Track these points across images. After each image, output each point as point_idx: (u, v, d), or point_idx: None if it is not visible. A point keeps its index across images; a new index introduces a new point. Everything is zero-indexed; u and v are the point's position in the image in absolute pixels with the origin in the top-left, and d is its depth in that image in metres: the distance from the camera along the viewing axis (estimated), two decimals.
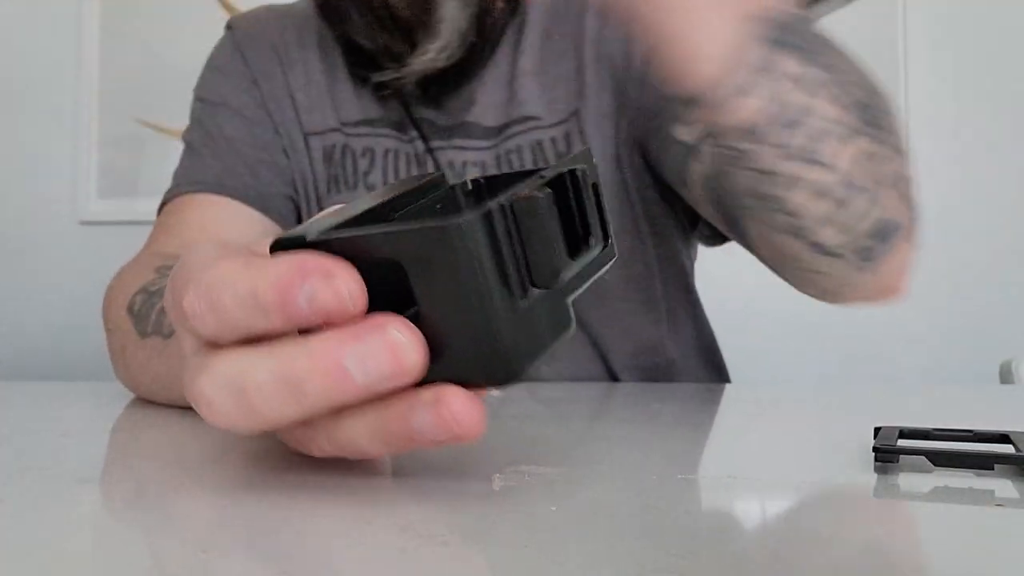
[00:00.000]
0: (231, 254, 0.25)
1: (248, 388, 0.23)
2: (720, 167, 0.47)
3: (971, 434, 0.34)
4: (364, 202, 0.27)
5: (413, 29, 0.64)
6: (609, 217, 0.27)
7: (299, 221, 0.73)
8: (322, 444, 0.26)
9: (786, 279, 0.54)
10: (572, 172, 0.25)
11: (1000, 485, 0.28)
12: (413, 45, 0.64)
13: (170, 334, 0.43)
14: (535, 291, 0.23)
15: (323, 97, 0.70)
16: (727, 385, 0.67)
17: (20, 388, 0.55)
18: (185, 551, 0.21)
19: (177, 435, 0.38)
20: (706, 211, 0.58)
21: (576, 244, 0.25)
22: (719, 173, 0.48)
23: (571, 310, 0.25)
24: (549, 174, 0.25)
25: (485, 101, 0.68)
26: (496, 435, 0.37)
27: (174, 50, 1.66)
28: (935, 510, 0.25)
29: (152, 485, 0.28)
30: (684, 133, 0.53)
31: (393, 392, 0.23)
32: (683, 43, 0.42)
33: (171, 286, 0.26)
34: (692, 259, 0.75)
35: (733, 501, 0.26)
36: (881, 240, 0.47)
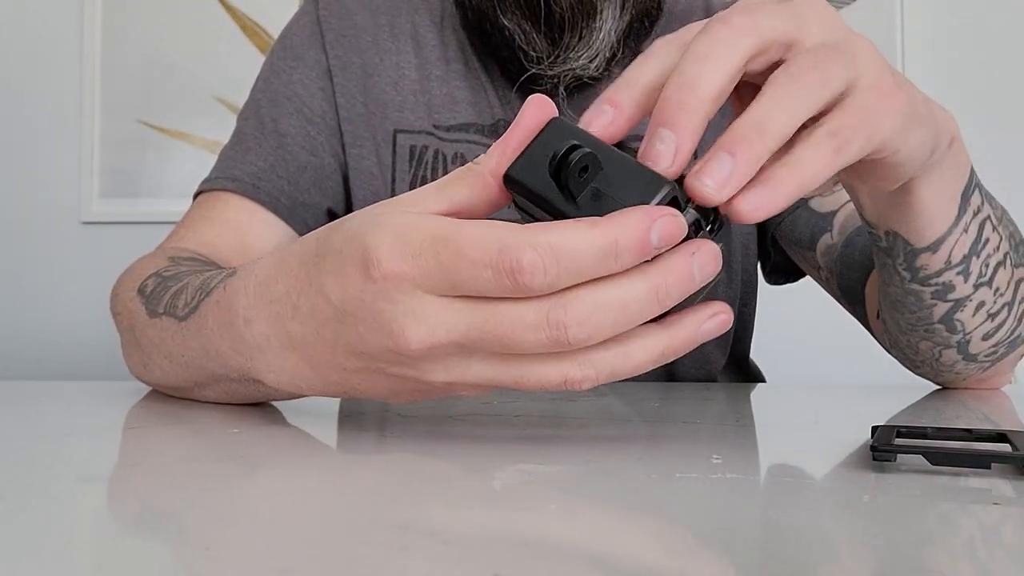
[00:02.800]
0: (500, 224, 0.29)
1: (630, 316, 0.29)
2: (899, 287, 0.51)
3: (968, 433, 0.34)
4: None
5: (564, 29, 0.62)
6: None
7: None
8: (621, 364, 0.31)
9: (900, 359, 0.59)
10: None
11: (997, 484, 0.28)
12: (552, 43, 0.63)
13: (185, 316, 0.43)
14: None
15: (416, 96, 0.69)
16: (726, 386, 0.67)
17: (21, 388, 0.56)
18: (187, 549, 0.21)
19: (179, 434, 0.38)
20: (818, 276, 0.66)
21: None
22: (890, 293, 0.53)
23: None
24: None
25: None
26: (496, 435, 0.37)
27: (176, 51, 1.66)
28: (932, 509, 0.25)
29: (154, 484, 0.28)
30: (821, 205, 0.63)
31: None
32: (924, 208, 0.44)
33: (448, 260, 0.29)
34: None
35: (732, 500, 0.26)
36: (1009, 346, 0.54)
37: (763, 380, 0.79)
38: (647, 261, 0.29)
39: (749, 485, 0.28)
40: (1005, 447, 0.33)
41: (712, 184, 0.28)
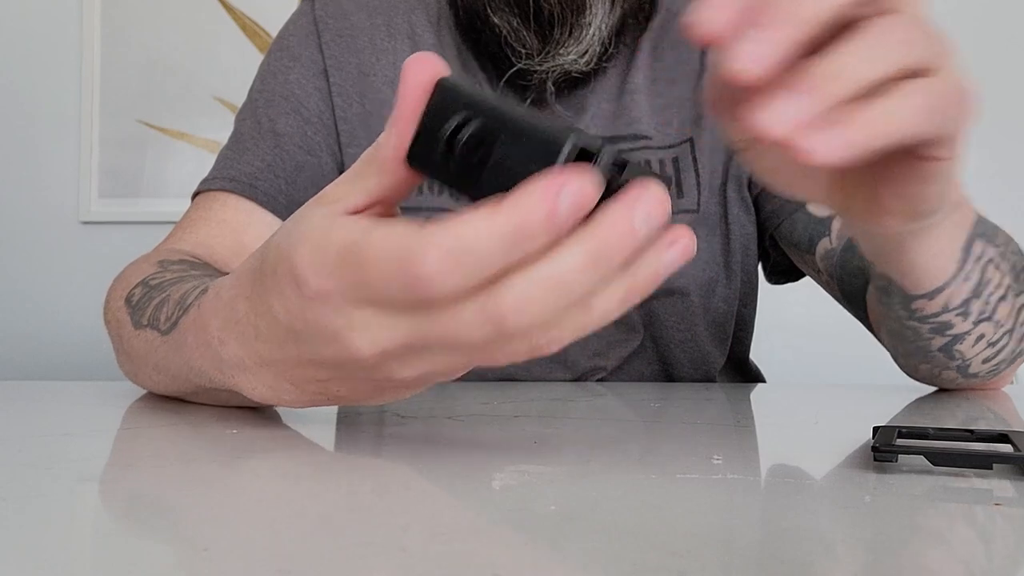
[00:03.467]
0: (403, 225, 0.27)
1: (572, 289, 0.26)
2: (897, 322, 0.52)
3: (970, 434, 0.34)
4: None
5: (553, 26, 0.62)
6: None
7: None
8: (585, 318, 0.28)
9: (900, 364, 0.59)
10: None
11: (999, 485, 0.28)
12: (542, 40, 0.63)
13: (167, 330, 0.43)
14: None
15: None
16: (727, 386, 0.67)
17: (20, 388, 0.56)
18: (186, 550, 0.21)
19: (178, 435, 0.38)
20: (819, 279, 0.66)
21: None
22: (888, 324, 0.53)
23: None
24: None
25: (594, 110, 0.68)
26: (496, 435, 0.37)
27: (175, 51, 1.66)
28: (934, 510, 0.25)
29: (153, 484, 0.28)
30: (819, 208, 0.63)
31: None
32: (918, 266, 0.44)
33: (344, 274, 0.28)
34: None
35: (733, 501, 0.26)
36: (1010, 363, 0.54)
37: (763, 380, 0.79)
38: (588, 217, 0.26)
39: (749, 486, 0.28)
40: (1007, 448, 0.32)
41: (774, 122, 0.26)
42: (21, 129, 1.71)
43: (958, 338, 0.50)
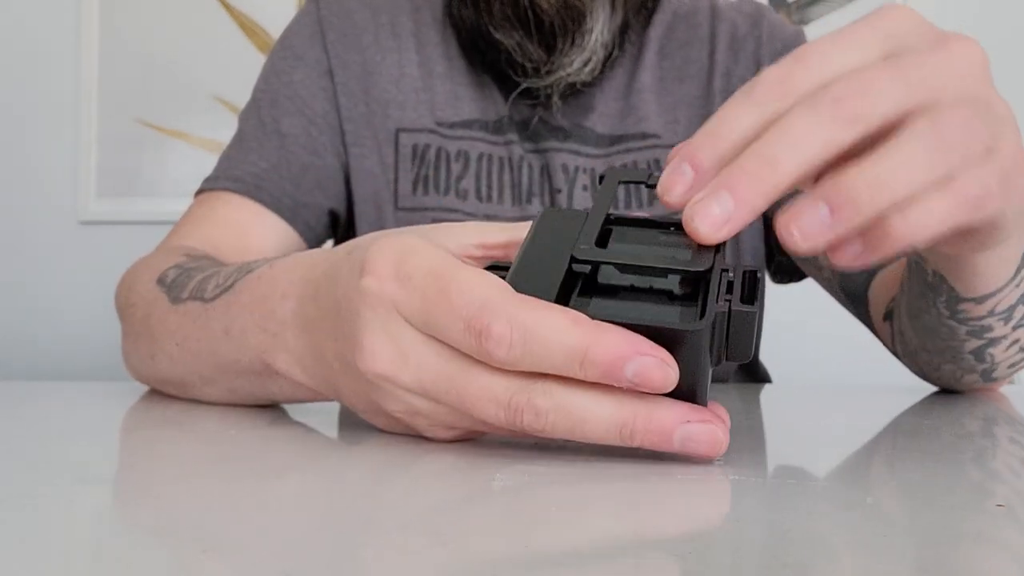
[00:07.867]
0: (532, 299, 0.28)
1: (586, 422, 0.28)
2: (936, 319, 0.50)
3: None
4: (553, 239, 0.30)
5: (555, 35, 0.63)
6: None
7: (334, 228, 0.72)
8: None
9: (909, 366, 0.58)
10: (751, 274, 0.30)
11: (1000, 487, 0.28)
12: (547, 50, 0.63)
13: (213, 298, 0.43)
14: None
15: (418, 94, 0.69)
16: (727, 386, 0.67)
17: (20, 388, 0.55)
18: (185, 551, 0.21)
19: (177, 435, 0.38)
20: (819, 276, 0.66)
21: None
22: (925, 318, 0.52)
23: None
24: (735, 280, 0.29)
25: (602, 109, 0.68)
26: (495, 435, 0.37)
27: (174, 50, 1.66)
28: (934, 510, 0.25)
29: (152, 485, 0.28)
30: None
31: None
32: (978, 272, 0.43)
33: (448, 306, 0.28)
34: None
35: (734, 501, 0.26)
36: None
37: (769, 381, 0.79)
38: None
39: (751, 486, 0.28)
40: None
41: (798, 235, 0.26)
42: (19, 128, 1.71)
43: (994, 342, 0.49)
